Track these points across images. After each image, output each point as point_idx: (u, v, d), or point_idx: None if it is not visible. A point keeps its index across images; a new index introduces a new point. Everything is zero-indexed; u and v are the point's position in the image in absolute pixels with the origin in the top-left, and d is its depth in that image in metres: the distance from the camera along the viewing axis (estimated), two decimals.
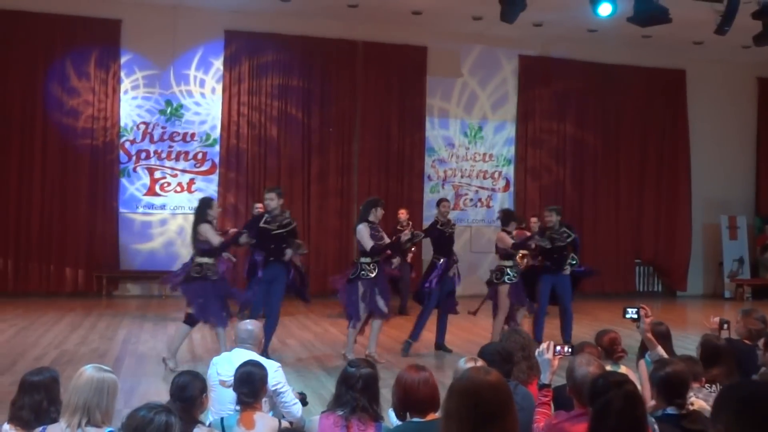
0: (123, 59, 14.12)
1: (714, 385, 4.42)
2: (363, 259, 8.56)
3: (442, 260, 9.37)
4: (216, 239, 8.07)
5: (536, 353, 3.87)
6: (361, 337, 8.88)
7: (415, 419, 3.54)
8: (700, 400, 4.06)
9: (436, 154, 15.79)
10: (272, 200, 8.67)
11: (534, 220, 11.13)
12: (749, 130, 17.70)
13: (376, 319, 8.67)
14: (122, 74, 14.11)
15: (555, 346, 3.89)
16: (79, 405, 3.27)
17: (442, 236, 9.56)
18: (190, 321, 8.05)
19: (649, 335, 4.76)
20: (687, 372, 3.87)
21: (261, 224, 8.65)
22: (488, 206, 16.07)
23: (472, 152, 16.01)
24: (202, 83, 14.56)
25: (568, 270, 9.98)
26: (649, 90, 16.70)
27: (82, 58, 13.85)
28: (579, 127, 16.44)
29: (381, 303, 8.55)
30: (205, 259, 8.07)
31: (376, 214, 8.66)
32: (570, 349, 3.98)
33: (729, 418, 1.96)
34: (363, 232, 8.56)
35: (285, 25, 14.62)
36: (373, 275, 8.49)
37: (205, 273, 8.02)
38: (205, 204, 8.37)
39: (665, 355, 4.64)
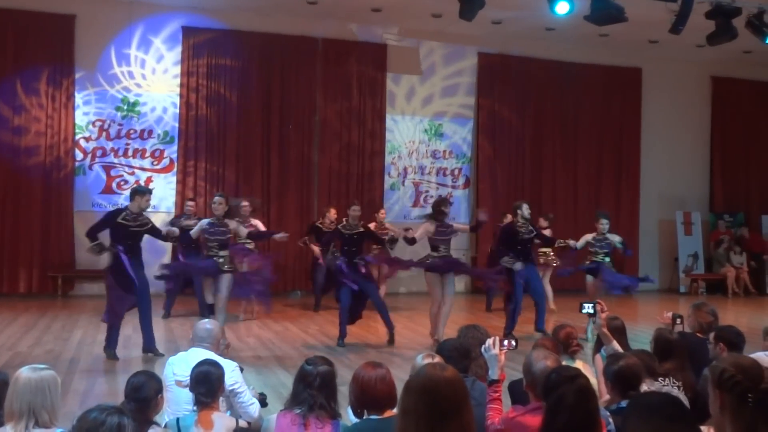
0: (77, 54, 13.86)
1: (667, 379, 4.49)
2: None
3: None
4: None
5: (482, 349, 3.87)
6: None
7: (373, 416, 3.53)
8: (653, 389, 4.11)
9: (396, 150, 15.81)
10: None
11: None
12: (703, 128, 18.02)
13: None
14: (76, 75, 13.86)
15: (501, 341, 3.90)
16: (23, 409, 3.18)
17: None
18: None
19: (605, 330, 4.82)
20: (639, 365, 3.93)
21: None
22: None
23: (432, 149, 16.06)
24: (159, 80, 14.37)
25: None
26: (606, 88, 16.93)
27: (35, 53, 13.57)
28: (537, 125, 16.59)
29: None
30: None
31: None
32: (515, 343, 3.99)
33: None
34: None
35: (244, 22, 14.51)
36: None
37: None
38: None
39: (620, 350, 4.71)
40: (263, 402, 4.75)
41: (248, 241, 10.82)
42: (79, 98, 13.91)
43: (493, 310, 12.83)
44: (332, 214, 12.63)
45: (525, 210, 10.19)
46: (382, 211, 13.51)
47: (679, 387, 4.42)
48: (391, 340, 9.71)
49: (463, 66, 16.13)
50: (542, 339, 4.92)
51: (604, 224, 10.60)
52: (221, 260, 8.83)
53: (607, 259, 10.61)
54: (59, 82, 13.75)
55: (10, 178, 13.45)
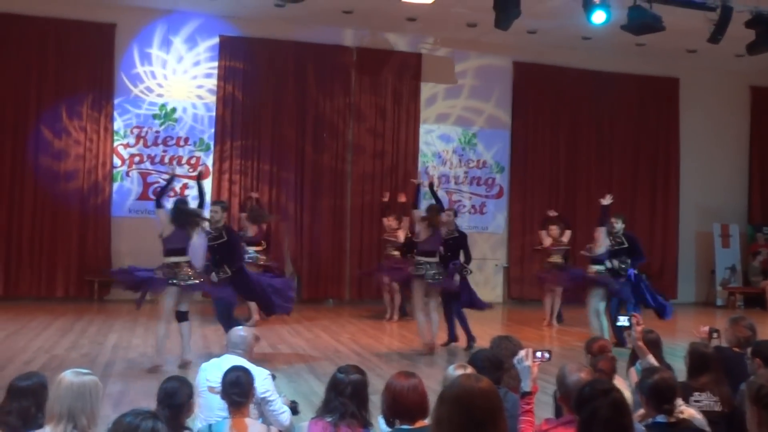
0: (117, 61, 14.10)
1: (704, 393, 4.41)
2: None
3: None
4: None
5: (515, 360, 3.83)
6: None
7: (404, 426, 3.52)
8: (690, 408, 4.05)
9: (429, 160, 15.80)
10: (216, 213, 8.94)
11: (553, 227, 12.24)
12: (742, 139, 17.75)
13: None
14: (115, 81, 14.09)
15: (534, 353, 3.86)
16: (63, 413, 3.23)
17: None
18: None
19: (640, 343, 4.76)
20: (674, 379, 3.87)
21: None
22: (482, 213, 16.07)
23: (466, 159, 16.02)
24: (196, 89, 14.55)
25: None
26: (643, 98, 16.76)
27: (76, 61, 13.82)
28: (572, 135, 16.47)
29: None
30: None
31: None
32: (548, 355, 3.94)
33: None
34: None
35: (279, 31, 14.64)
36: None
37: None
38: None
39: (655, 363, 4.64)
40: (295, 410, 4.76)
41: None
42: (117, 105, 14.12)
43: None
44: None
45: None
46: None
47: (716, 401, 4.35)
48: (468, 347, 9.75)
49: (498, 75, 16.07)
50: (601, 360, 4.82)
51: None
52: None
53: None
54: (99, 88, 13.97)
55: (50, 182, 13.69)
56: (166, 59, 14.38)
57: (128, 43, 14.15)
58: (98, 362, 8.36)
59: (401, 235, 12.57)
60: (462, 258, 9.96)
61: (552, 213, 13.05)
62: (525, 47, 15.60)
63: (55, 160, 13.76)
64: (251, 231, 11.85)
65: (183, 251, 8.38)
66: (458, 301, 9.95)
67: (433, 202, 9.81)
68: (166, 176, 9.00)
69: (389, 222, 13.03)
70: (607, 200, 10.38)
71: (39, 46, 13.65)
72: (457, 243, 10.01)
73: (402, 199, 13.23)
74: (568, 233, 12.70)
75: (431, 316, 9.63)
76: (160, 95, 14.35)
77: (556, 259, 12.50)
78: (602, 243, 10.44)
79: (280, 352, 9.47)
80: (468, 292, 10.05)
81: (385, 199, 13.48)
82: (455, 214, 10.59)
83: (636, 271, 10.41)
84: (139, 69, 14.27)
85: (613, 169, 16.70)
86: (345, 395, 3.74)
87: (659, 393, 3.69)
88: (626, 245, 10.47)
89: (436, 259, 9.53)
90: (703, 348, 4.85)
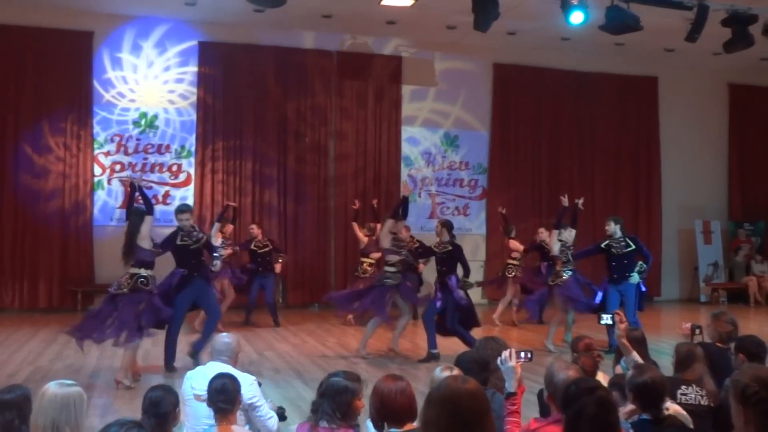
0: (95, 69, 14.01)
1: (690, 387, 4.43)
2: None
3: None
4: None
5: (499, 362, 3.83)
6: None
7: (393, 429, 3.51)
8: (676, 405, 4.07)
9: (412, 162, 15.82)
10: (188, 219, 8.82)
11: (541, 230, 12.00)
12: (721, 136, 17.91)
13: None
14: (94, 89, 14.00)
15: (518, 353, 3.86)
16: (47, 425, 3.20)
17: None
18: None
19: (624, 341, 4.78)
20: (665, 380, 3.88)
21: (178, 242, 8.73)
22: (465, 214, 16.11)
23: (449, 160, 16.05)
24: (175, 95, 14.49)
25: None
26: (622, 97, 16.88)
27: (54, 70, 13.73)
28: (554, 135, 16.55)
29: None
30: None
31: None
32: (530, 355, 3.95)
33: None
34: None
35: (260, 36, 14.62)
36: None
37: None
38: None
39: (640, 360, 4.67)
40: (282, 416, 4.75)
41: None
42: (96, 113, 14.02)
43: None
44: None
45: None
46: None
47: (702, 395, 4.38)
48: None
49: (478, 77, 16.12)
50: (582, 357, 4.82)
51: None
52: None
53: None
54: (77, 96, 13.88)
55: (31, 192, 13.57)
56: (144, 66, 14.30)
57: (106, 51, 14.07)
58: (83, 373, 8.31)
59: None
60: (460, 272, 9.68)
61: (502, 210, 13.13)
62: (505, 49, 15.67)
63: (36, 170, 13.64)
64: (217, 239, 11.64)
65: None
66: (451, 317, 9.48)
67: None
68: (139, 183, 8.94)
69: (358, 232, 12.72)
70: (565, 201, 10.40)
71: (17, 55, 13.54)
72: (452, 256, 9.68)
73: (374, 203, 12.99)
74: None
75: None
76: (139, 103, 14.26)
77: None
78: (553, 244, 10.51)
79: (266, 358, 9.44)
80: (467, 310, 9.53)
81: (355, 207, 13.12)
82: (448, 226, 10.02)
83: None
84: (117, 76, 14.18)
85: (595, 168, 16.80)
86: (319, 395, 3.76)
87: (649, 392, 3.70)
88: (633, 247, 10.21)
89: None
90: (690, 345, 4.89)
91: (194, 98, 14.51)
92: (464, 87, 16.02)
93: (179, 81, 14.51)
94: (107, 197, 14.10)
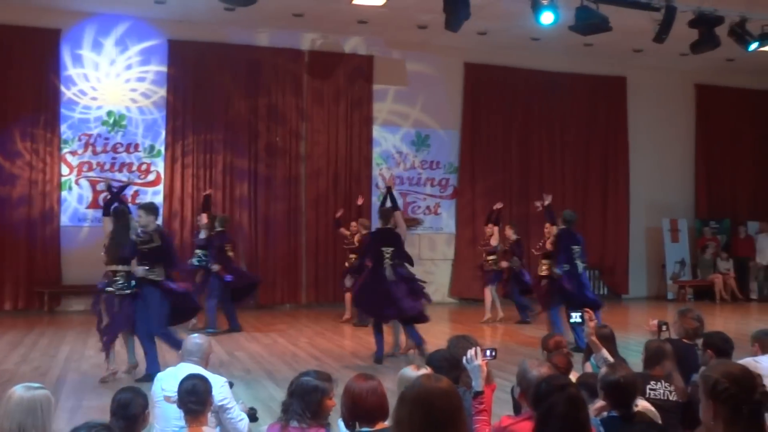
0: (64, 73, 13.84)
1: (659, 383, 4.48)
2: None
3: None
4: None
5: (464, 360, 3.83)
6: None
7: (365, 429, 3.51)
8: (644, 401, 4.12)
9: (383, 162, 15.82)
10: (141, 217, 8.46)
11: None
12: (688, 135, 18.15)
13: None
14: (62, 88, 13.82)
15: (484, 351, 3.86)
16: (14, 429, 3.14)
17: None
18: None
19: (594, 338, 4.83)
20: (637, 379, 3.92)
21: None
22: (436, 213, 16.16)
23: (420, 160, 16.09)
24: (146, 94, 14.35)
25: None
26: (592, 97, 17.05)
27: (20, 67, 13.52)
28: (524, 134, 16.65)
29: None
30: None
31: None
32: (495, 353, 3.95)
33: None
34: None
35: (230, 35, 14.53)
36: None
37: None
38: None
39: (610, 358, 4.71)
40: (253, 416, 4.72)
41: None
42: (63, 112, 13.84)
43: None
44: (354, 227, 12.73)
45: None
46: (354, 224, 12.90)
47: (671, 391, 4.43)
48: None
49: (449, 76, 16.16)
50: (555, 356, 4.84)
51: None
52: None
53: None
54: (44, 95, 13.69)
55: None
56: (110, 64, 14.14)
57: (70, 48, 13.89)
58: (50, 375, 8.19)
59: (357, 240, 12.51)
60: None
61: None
62: (475, 48, 15.74)
63: (1, 170, 13.43)
64: (204, 233, 11.73)
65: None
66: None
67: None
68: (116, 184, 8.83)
69: (345, 232, 13.00)
70: (548, 200, 10.53)
71: None
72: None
73: (360, 201, 13.27)
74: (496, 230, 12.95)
75: None
76: (105, 101, 14.10)
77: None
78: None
79: (237, 359, 9.39)
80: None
81: (339, 215, 13.30)
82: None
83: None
84: (81, 74, 14.01)
85: (564, 167, 16.94)
86: (291, 395, 3.74)
87: (621, 391, 3.73)
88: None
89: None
90: (659, 341, 4.95)
91: (163, 97, 14.38)
92: (435, 86, 16.05)
93: (146, 79, 14.36)
94: (75, 197, 13.92)
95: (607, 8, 10.58)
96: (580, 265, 10.27)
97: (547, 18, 10.72)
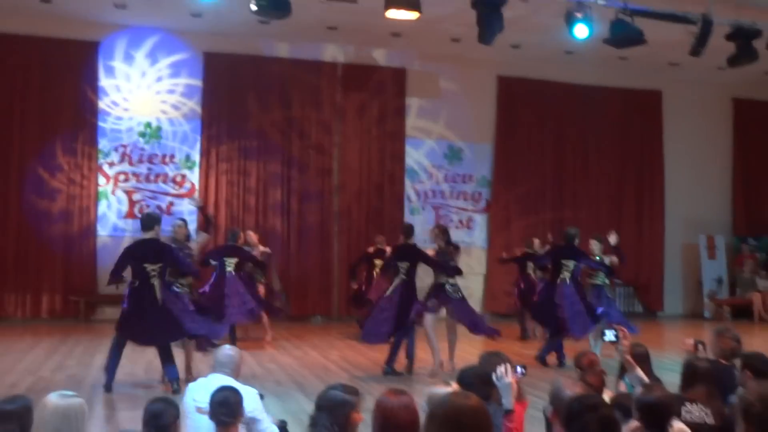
0: (102, 82, 14.06)
1: (694, 404, 4.39)
2: None
3: None
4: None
5: (495, 377, 3.80)
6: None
7: None
8: (680, 423, 4.04)
9: (416, 175, 15.82)
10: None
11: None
12: (725, 150, 17.90)
13: None
14: (99, 100, 14.05)
15: (514, 368, 3.82)
16: None
17: None
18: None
19: (628, 357, 4.75)
20: (673, 400, 3.84)
21: None
22: (468, 227, 16.10)
23: (452, 173, 16.05)
24: (176, 106, 14.53)
25: None
26: (626, 111, 16.88)
27: (59, 80, 13.77)
28: (557, 148, 16.55)
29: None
30: None
31: None
32: (524, 370, 3.91)
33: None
34: None
35: (264, 47, 14.67)
36: None
37: None
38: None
39: (644, 377, 4.64)
40: (284, 429, 4.72)
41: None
42: (101, 123, 14.06)
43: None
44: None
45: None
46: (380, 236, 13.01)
47: (707, 413, 4.34)
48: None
49: (482, 90, 16.13)
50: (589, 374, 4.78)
51: (595, 245, 10.59)
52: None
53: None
54: (82, 106, 13.92)
55: (35, 202, 13.59)
56: (148, 75, 14.36)
57: (107, 61, 14.11)
58: (85, 383, 8.28)
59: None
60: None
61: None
62: (509, 61, 15.69)
63: (40, 179, 13.67)
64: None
65: None
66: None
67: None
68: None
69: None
70: (613, 238, 10.59)
71: (22, 66, 13.59)
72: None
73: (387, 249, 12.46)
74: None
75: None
76: (141, 112, 14.31)
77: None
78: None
79: (268, 371, 9.41)
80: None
81: (371, 250, 12.88)
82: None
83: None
84: (118, 85, 14.25)
85: (599, 182, 16.79)
86: (319, 409, 3.74)
87: (656, 412, 3.66)
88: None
89: None
90: (696, 361, 4.85)
91: (198, 108, 14.55)
92: (468, 100, 16.03)
93: (183, 91, 14.55)
94: (111, 208, 14.12)
95: (642, 21, 10.51)
96: (567, 279, 10.18)
97: (581, 31, 10.67)
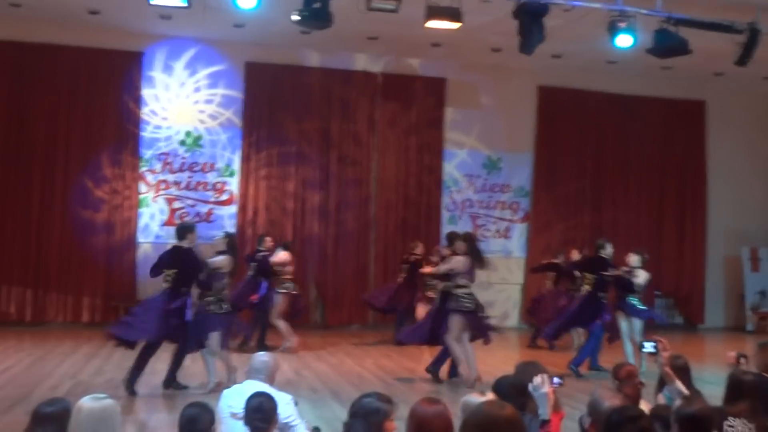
0: (148, 91, 14.29)
1: (737, 420, 4.29)
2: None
3: None
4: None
5: (531, 387, 3.76)
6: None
7: None
8: None
9: (454, 184, 15.77)
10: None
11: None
12: None
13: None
14: (140, 111, 14.26)
15: (551, 378, 3.79)
16: None
17: None
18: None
19: (668, 369, 4.67)
20: (713, 413, 3.76)
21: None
22: (506, 237, 16.00)
23: (491, 183, 15.97)
24: (222, 115, 14.69)
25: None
26: (669, 121, 16.64)
27: (104, 89, 14.02)
28: (598, 158, 16.38)
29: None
30: None
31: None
32: (561, 381, 3.87)
33: None
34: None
35: (305, 57, 14.79)
36: None
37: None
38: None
39: (684, 390, 4.55)
40: None
41: None
42: (144, 131, 14.28)
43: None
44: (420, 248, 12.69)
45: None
46: (437, 247, 12.97)
47: (750, 429, 4.23)
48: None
49: (522, 100, 16.04)
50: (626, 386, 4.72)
51: (634, 259, 10.56)
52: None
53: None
54: (125, 115, 14.13)
55: (77, 208, 13.83)
56: (188, 86, 14.53)
57: (148, 71, 14.32)
58: (123, 388, 8.36)
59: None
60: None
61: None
62: (549, 71, 15.58)
63: (84, 187, 13.90)
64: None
65: None
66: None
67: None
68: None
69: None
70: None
71: (69, 76, 13.85)
72: None
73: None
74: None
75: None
76: (182, 121, 14.48)
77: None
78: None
79: (303, 378, 9.43)
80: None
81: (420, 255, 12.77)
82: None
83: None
84: (163, 96, 14.44)
85: (640, 193, 16.56)
86: (353, 416, 3.73)
87: (696, 425, 3.58)
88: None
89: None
90: (741, 375, 4.74)
91: (237, 118, 14.69)
92: (508, 109, 15.94)
93: (216, 101, 14.68)
94: (152, 215, 14.31)
95: (686, 31, 10.37)
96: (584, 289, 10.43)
97: (624, 41, 10.57)
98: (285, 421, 4.42)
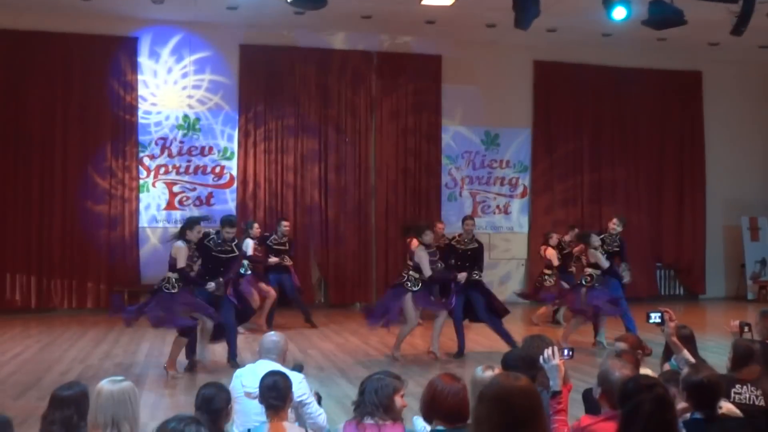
0: (140, 76, 14.26)
1: (745, 386, 4.37)
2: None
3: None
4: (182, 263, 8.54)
5: (542, 359, 3.82)
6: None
7: (440, 428, 3.54)
8: (729, 404, 4.02)
9: (452, 161, 15.79)
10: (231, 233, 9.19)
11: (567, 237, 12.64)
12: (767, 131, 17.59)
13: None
14: (137, 96, 14.23)
15: (561, 350, 3.86)
16: (108, 422, 3.31)
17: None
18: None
19: (675, 339, 4.74)
20: (721, 380, 3.83)
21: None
22: (506, 213, 16.06)
23: (489, 159, 16.00)
24: (218, 98, 14.65)
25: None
26: (665, 93, 16.63)
27: (100, 75, 13.98)
28: (595, 132, 16.39)
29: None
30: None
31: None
32: (572, 353, 3.95)
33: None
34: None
35: (299, 38, 14.73)
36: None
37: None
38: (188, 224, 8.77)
39: (691, 359, 4.62)
40: (318, 401, 4.83)
41: None
42: (141, 117, 14.26)
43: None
44: (439, 228, 11.99)
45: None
46: (440, 224, 12.67)
47: (757, 395, 4.31)
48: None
49: (518, 75, 16.02)
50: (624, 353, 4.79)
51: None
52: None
53: None
54: (122, 101, 14.10)
55: (78, 194, 13.85)
56: (181, 69, 14.46)
57: (142, 55, 14.26)
58: (132, 371, 8.47)
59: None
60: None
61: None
62: (545, 46, 15.55)
63: (84, 174, 13.90)
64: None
65: None
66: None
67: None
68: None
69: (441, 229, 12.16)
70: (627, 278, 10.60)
71: (63, 63, 13.81)
72: (474, 254, 9.92)
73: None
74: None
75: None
76: (178, 106, 14.44)
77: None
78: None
79: (310, 357, 9.52)
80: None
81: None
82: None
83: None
84: (158, 80, 14.37)
85: (638, 165, 16.59)
86: (362, 393, 3.87)
87: (705, 392, 3.66)
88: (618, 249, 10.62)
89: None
90: (747, 341, 4.82)
91: (235, 100, 14.66)
92: (505, 85, 15.92)
93: (216, 83, 14.63)
94: (152, 200, 14.33)
95: (681, 2, 10.35)
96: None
97: (619, 13, 10.56)
98: (299, 399, 4.49)
